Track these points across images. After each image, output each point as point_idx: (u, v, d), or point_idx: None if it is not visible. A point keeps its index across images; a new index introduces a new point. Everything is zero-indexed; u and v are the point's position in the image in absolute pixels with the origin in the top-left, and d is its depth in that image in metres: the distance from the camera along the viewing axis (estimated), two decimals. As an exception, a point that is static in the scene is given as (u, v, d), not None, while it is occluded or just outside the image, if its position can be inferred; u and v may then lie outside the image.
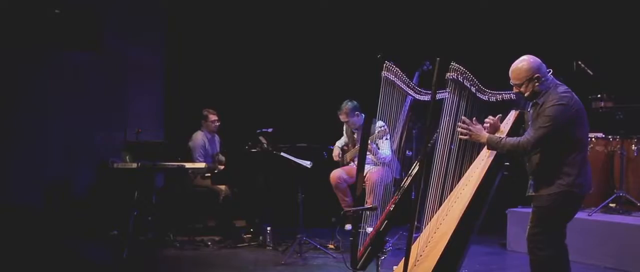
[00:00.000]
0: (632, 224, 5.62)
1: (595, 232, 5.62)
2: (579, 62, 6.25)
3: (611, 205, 6.04)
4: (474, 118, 3.93)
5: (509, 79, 3.83)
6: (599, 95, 6.26)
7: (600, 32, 7.18)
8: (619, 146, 6.07)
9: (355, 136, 6.53)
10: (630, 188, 6.02)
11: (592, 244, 5.55)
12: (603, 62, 6.43)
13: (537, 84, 3.72)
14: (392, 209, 4.37)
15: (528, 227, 3.82)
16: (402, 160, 6.30)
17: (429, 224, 4.00)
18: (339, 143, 6.74)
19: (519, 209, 6.33)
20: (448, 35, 7.59)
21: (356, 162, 6.42)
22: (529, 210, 6.08)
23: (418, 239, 3.99)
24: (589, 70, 6.21)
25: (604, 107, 6.07)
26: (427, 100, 4.49)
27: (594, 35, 7.17)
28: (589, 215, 5.79)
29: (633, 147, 6.06)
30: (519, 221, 6.23)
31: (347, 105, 6.41)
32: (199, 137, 6.97)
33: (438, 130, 4.06)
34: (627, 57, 7.00)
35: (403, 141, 6.31)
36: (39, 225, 6.81)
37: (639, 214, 5.91)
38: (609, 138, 6.19)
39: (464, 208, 3.87)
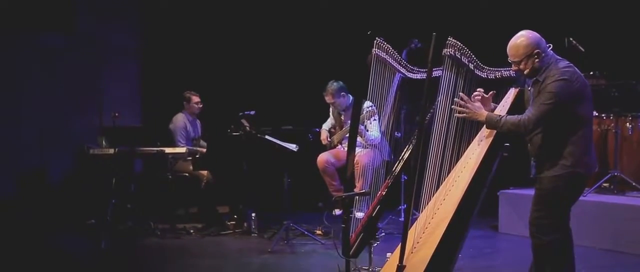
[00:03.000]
0: (627, 204, 5.54)
1: (589, 213, 5.48)
2: (571, 39, 6.08)
3: (605, 185, 5.93)
4: (472, 96, 3.73)
5: (507, 56, 3.64)
6: (591, 73, 6.10)
7: (591, 7, 7.01)
8: (613, 125, 5.94)
9: (342, 117, 6.33)
10: (625, 167, 5.91)
11: (587, 226, 5.39)
12: (595, 38, 6.27)
13: (537, 60, 3.54)
14: (384, 194, 4.19)
15: (531, 210, 3.63)
16: (391, 142, 6.10)
17: (426, 208, 3.80)
18: (326, 125, 6.53)
19: (511, 191, 6.23)
20: (442, 10, 7.35)
21: (344, 145, 6.24)
22: (522, 191, 6.09)
23: (414, 224, 3.79)
24: (580, 47, 6.05)
25: (597, 84, 5.92)
26: (420, 79, 4.32)
27: (586, 10, 7.00)
28: (583, 196, 5.62)
29: (628, 125, 5.92)
30: (511, 203, 6.15)
31: (333, 86, 6.21)
32: (180, 119, 6.84)
33: (434, 106, 3.86)
34: (620, 33, 6.84)
35: (392, 122, 6.12)
36: (12, 215, 6.57)
37: (634, 193, 5.82)
38: (603, 116, 6.04)
39: (463, 192, 3.66)
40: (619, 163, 5.87)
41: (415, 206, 3.77)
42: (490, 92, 3.83)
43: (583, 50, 6.01)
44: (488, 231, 6.24)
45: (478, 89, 3.80)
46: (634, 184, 5.80)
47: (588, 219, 5.43)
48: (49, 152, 7.18)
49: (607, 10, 6.97)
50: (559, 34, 5.92)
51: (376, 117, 5.72)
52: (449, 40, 3.72)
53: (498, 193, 6.19)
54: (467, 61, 3.74)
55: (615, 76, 6.03)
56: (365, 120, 5.77)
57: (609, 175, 5.86)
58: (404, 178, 5.82)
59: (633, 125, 5.91)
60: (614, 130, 5.91)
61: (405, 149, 4.35)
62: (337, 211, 5.99)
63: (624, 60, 6.47)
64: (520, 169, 5.94)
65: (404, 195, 6.64)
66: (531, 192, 5.77)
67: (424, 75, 4.19)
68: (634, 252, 5.26)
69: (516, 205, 6.05)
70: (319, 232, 6.00)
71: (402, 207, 6.68)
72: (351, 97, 6.20)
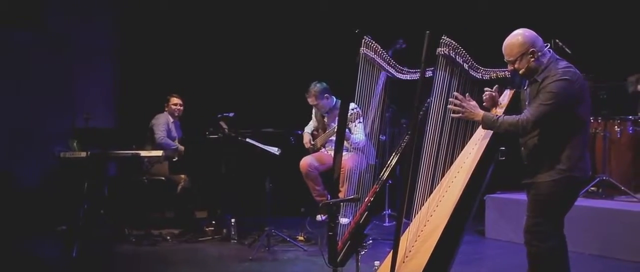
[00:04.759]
0: (616, 209, 5.45)
1: (577, 218, 5.31)
2: (557, 41, 5.99)
3: (593, 189, 5.84)
4: (467, 94, 3.58)
5: (503, 56, 3.52)
6: (579, 75, 6.00)
7: (579, 9, 6.93)
8: (601, 128, 5.86)
9: (326, 119, 6.15)
10: (613, 171, 5.84)
11: (575, 231, 5.11)
12: (582, 40, 6.18)
13: (532, 59, 3.43)
14: (371, 200, 4.02)
15: (527, 217, 3.49)
16: (376, 145, 5.95)
17: (418, 215, 3.63)
18: (308, 128, 6.35)
19: (498, 195, 6.11)
20: (433, 8, 7.21)
21: (327, 149, 6.07)
22: (509, 196, 5.96)
23: (406, 232, 3.63)
24: (567, 49, 5.97)
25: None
26: (408, 79, 4.16)
27: (573, 12, 6.92)
28: (571, 200, 5.54)
29: (616, 128, 5.85)
30: (498, 208, 6.03)
31: (315, 87, 6.03)
32: (163, 118, 6.74)
33: (426, 105, 3.71)
34: (608, 34, 6.77)
35: (377, 124, 5.96)
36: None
37: (623, 198, 5.73)
38: (591, 119, 5.94)
39: (458, 198, 3.52)
40: (607, 167, 5.79)
41: (406, 212, 3.60)
42: (495, 87, 3.73)
43: (570, 52, 5.92)
44: (475, 236, 6.10)
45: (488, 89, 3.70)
46: (622, 188, 5.72)
47: (576, 224, 5.25)
48: (17, 154, 6.93)
49: (595, 11, 6.90)
50: (546, 35, 5.81)
51: (361, 119, 5.56)
52: (443, 39, 3.58)
53: (485, 197, 6.07)
54: (462, 61, 3.62)
55: (604, 78, 5.94)
56: (350, 122, 5.60)
57: (598, 179, 5.79)
58: (389, 182, 5.68)
59: (622, 129, 5.85)
60: (602, 134, 5.83)
61: (394, 154, 4.19)
62: (320, 217, 5.82)
63: (612, 62, 6.39)
64: (507, 172, 5.81)
65: (388, 200, 6.51)
66: (519, 196, 5.72)
67: (413, 76, 4.05)
68: (622, 257, 5.17)
69: (503, 210, 5.94)
70: (301, 238, 5.84)
71: (387, 212, 6.54)
72: (335, 99, 6.04)
